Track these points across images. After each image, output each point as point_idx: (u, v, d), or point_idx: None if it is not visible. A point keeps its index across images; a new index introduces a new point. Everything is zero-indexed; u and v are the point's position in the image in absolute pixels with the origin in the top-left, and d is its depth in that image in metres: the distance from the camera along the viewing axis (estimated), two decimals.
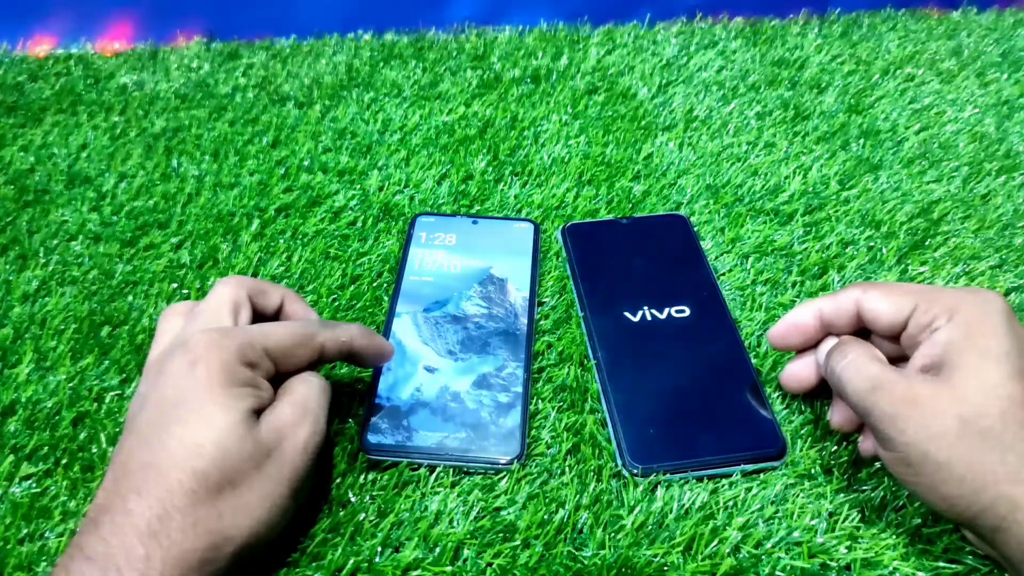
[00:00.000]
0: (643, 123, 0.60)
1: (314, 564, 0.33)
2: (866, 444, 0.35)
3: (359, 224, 0.51)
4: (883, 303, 0.34)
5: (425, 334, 0.42)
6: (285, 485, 0.30)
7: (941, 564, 0.33)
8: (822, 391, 0.38)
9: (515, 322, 0.43)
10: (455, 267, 0.47)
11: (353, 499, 0.35)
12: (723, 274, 0.47)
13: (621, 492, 0.36)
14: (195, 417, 0.29)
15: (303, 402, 0.32)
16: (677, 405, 0.39)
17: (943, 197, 0.53)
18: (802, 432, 0.39)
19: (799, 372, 0.38)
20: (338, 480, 0.36)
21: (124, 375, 0.40)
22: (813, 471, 0.37)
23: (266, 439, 0.30)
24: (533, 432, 0.39)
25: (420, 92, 0.64)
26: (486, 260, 0.47)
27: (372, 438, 0.37)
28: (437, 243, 0.48)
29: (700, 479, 0.36)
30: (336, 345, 0.35)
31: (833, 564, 0.33)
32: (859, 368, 0.32)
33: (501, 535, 0.34)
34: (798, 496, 0.36)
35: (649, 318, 0.43)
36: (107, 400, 0.39)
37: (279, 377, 0.33)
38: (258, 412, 0.31)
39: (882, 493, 0.35)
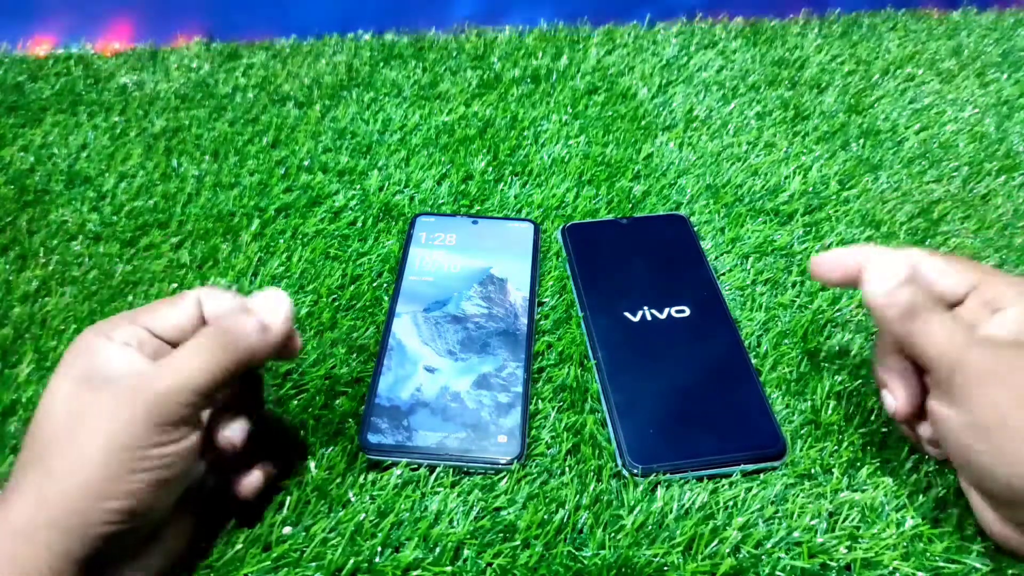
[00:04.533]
0: (643, 123, 0.60)
1: (314, 564, 0.33)
2: (901, 404, 0.33)
3: (359, 224, 0.51)
4: (947, 272, 0.33)
5: (425, 334, 0.42)
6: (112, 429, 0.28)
7: (941, 564, 0.33)
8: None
9: (515, 322, 0.43)
10: (455, 267, 0.47)
11: (353, 499, 0.35)
12: (723, 274, 0.47)
13: (621, 492, 0.36)
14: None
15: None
16: (677, 405, 0.39)
17: (943, 197, 0.53)
18: (802, 432, 0.39)
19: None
20: (338, 480, 0.36)
21: None
22: (813, 471, 0.37)
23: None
24: (533, 432, 0.39)
25: (420, 92, 0.64)
26: (486, 260, 0.47)
27: (372, 438, 0.37)
28: (437, 243, 0.48)
29: (700, 479, 0.36)
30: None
31: (833, 564, 0.33)
32: (951, 324, 0.30)
33: (501, 535, 0.34)
34: (798, 496, 0.36)
35: (649, 318, 0.43)
36: None
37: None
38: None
39: (882, 493, 0.35)
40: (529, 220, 0.50)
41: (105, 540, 0.27)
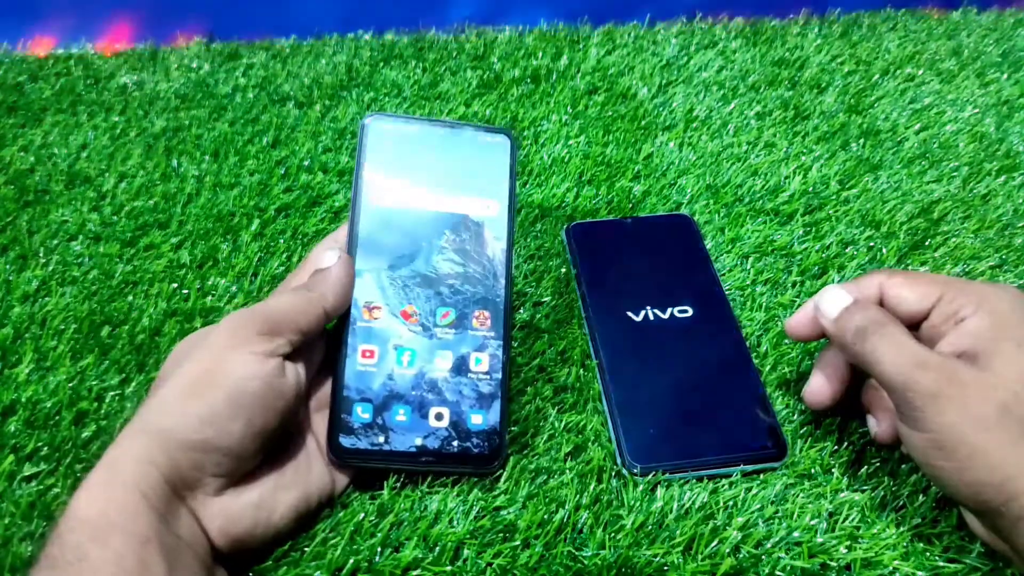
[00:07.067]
0: (643, 123, 0.60)
1: (314, 563, 0.33)
2: (883, 428, 0.34)
3: None
4: (909, 291, 0.33)
5: (393, 301, 0.37)
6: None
7: (941, 564, 0.33)
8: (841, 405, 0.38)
9: (493, 286, 0.38)
10: (422, 205, 0.38)
11: (353, 499, 0.35)
12: (723, 274, 0.47)
13: (621, 492, 0.36)
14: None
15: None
16: (678, 405, 0.39)
17: (943, 197, 0.53)
18: (802, 432, 0.39)
19: (823, 386, 0.36)
20: None
21: (124, 375, 0.40)
22: (813, 471, 0.37)
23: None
24: (533, 432, 0.39)
25: (420, 92, 0.64)
26: (458, 197, 0.38)
27: (345, 440, 0.34)
28: (398, 165, 0.38)
29: (700, 479, 0.36)
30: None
31: (833, 564, 0.33)
32: (900, 342, 0.31)
33: (501, 535, 0.34)
34: (798, 496, 0.36)
35: (652, 318, 0.43)
36: (107, 400, 0.39)
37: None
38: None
39: (882, 493, 0.35)
40: (504, 132, 0.40)
41: (186, 451, 0.29)
